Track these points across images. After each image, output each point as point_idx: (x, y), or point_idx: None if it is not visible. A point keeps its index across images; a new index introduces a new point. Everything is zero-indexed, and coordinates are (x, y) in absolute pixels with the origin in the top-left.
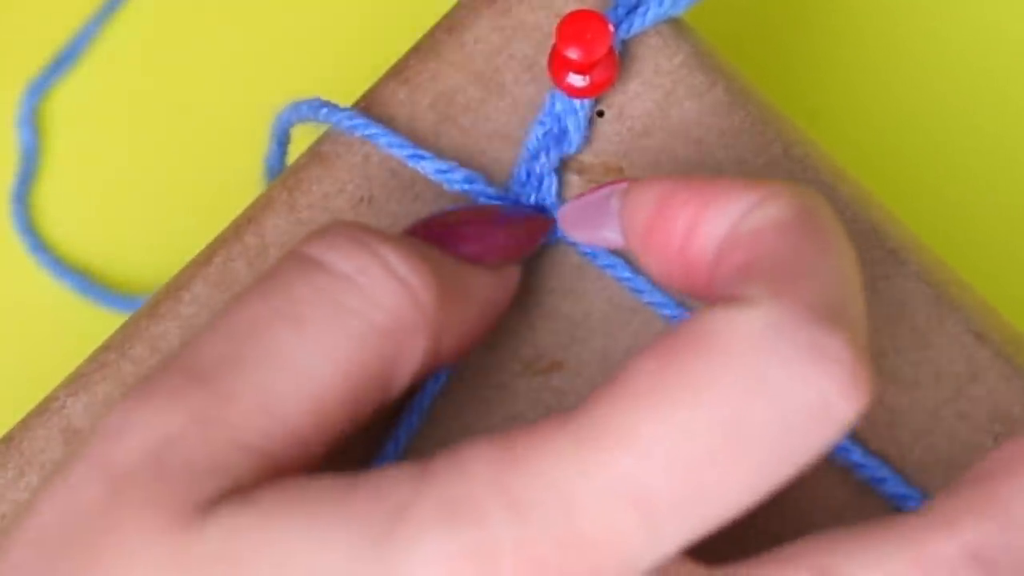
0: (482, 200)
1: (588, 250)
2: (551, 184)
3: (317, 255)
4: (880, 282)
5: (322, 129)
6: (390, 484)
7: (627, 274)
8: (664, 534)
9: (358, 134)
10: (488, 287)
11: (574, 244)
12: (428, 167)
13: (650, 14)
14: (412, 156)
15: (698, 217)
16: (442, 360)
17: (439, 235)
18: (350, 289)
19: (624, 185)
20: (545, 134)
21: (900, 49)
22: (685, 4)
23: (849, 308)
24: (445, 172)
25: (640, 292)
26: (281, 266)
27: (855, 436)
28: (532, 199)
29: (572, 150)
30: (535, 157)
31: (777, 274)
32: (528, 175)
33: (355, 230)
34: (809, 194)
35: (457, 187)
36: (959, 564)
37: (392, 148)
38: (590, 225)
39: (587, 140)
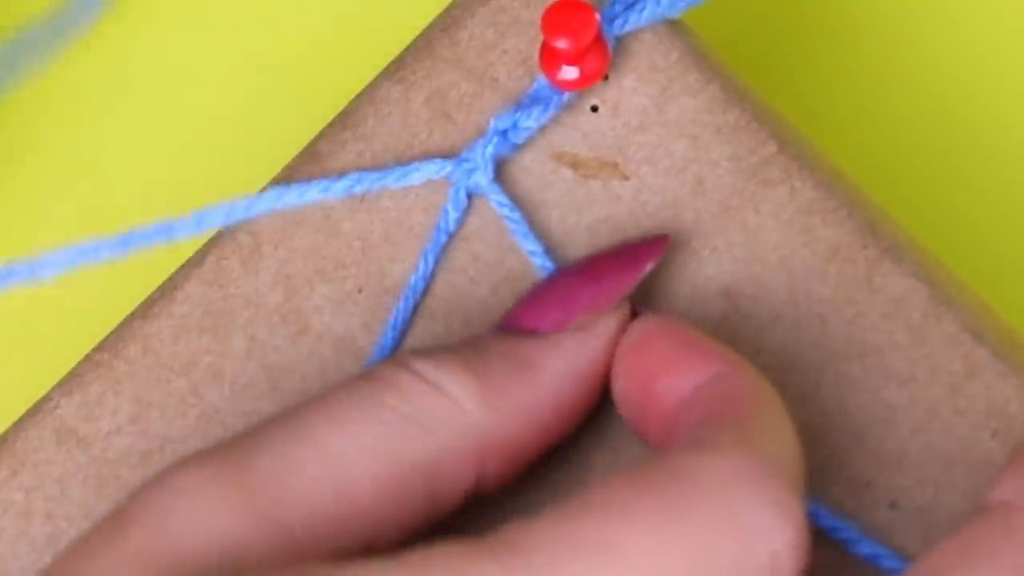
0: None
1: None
2: (488, 142)
3: (362, 372)
4: (877, 278)
5: (316, 129)
6: None
7: None
8: None
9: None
10: (565, 362)
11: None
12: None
13: (646, 13)
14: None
15: (667, 369)
16: (513, 462)
17: (513, 318)
18: (387, 388)
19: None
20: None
21: (896, 50)
22: (682, 6)
23: (798, 472)
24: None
25: None
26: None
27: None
28: (468, 149)
29: (531, 122)
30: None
31: (744, 430)
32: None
33: (398, 355)
34: (759, 373)
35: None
36: None
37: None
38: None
39: (583, 135)
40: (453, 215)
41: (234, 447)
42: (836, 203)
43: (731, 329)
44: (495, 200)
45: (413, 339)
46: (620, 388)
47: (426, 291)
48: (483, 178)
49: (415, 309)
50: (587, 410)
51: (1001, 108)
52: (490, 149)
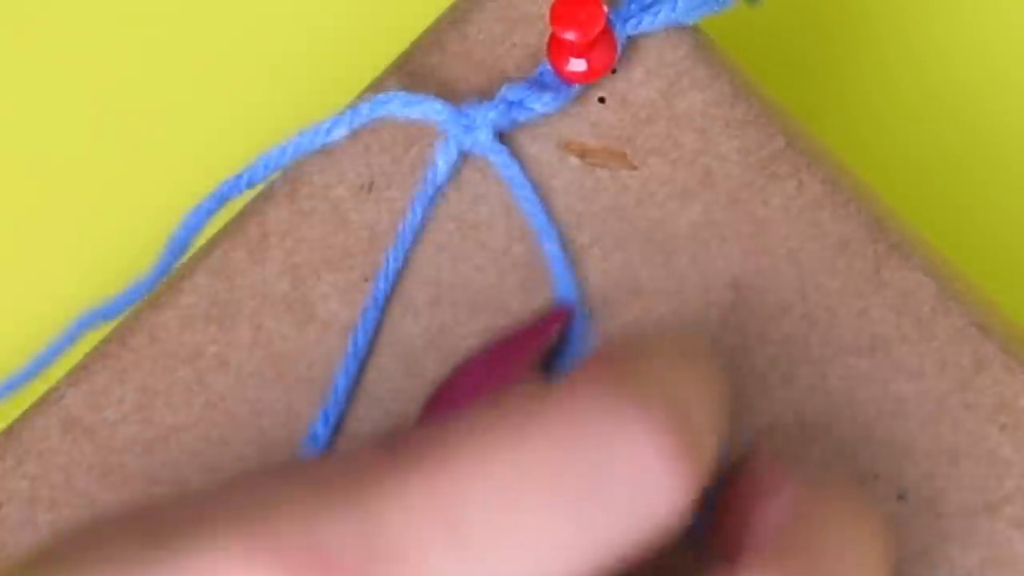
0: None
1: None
2: (494, 107)
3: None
4: (885, 272)
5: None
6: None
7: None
8: (472, 556)
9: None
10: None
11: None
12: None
13: (661, 16)
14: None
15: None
16: None
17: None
18: None
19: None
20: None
21: (902, 47)
22: (697, 14)
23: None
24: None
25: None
26: None
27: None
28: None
29: (538, 106)
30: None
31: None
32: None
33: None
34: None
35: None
36: None
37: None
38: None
39: (590, 125)
40: (442, 168)
41: None
42: (844, 198)
43: (739, 320)
44: (495, 158)
45: (425, 329)
46: None
47: (415, 240)
48: (483, 136)
49: (405, 259)
50: None
51: (1004, 105)
52: (493, 114)
